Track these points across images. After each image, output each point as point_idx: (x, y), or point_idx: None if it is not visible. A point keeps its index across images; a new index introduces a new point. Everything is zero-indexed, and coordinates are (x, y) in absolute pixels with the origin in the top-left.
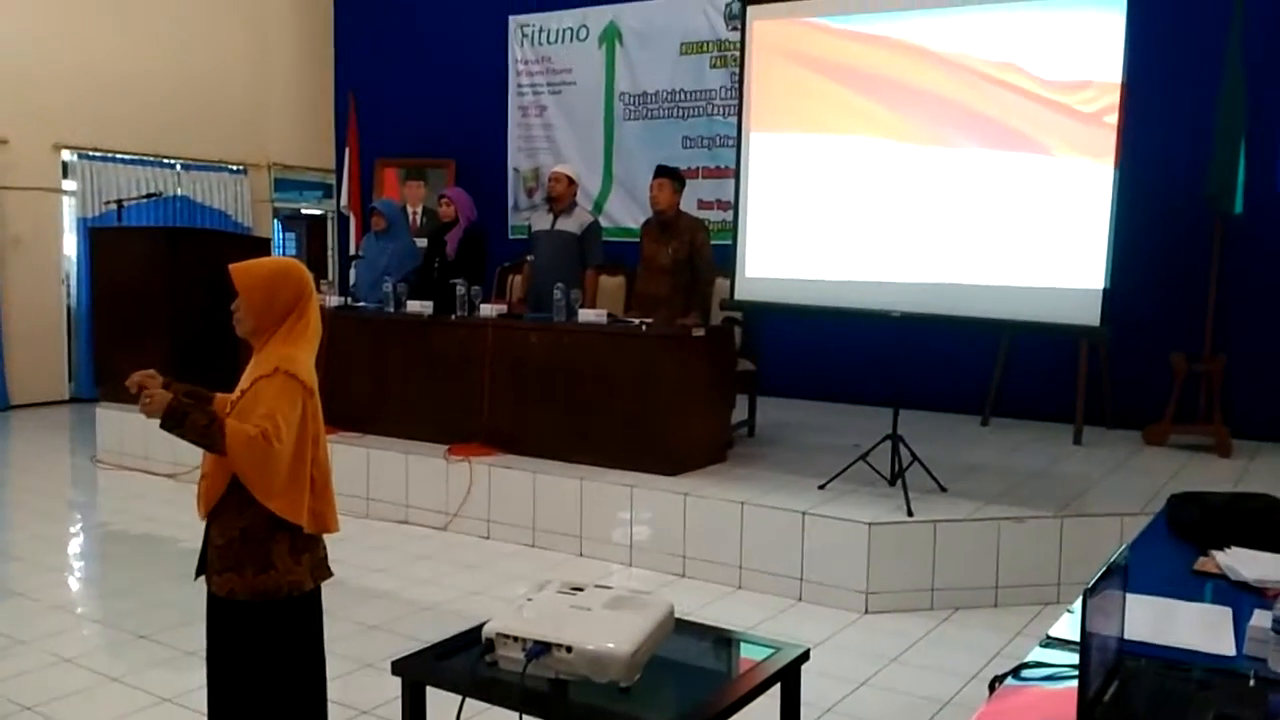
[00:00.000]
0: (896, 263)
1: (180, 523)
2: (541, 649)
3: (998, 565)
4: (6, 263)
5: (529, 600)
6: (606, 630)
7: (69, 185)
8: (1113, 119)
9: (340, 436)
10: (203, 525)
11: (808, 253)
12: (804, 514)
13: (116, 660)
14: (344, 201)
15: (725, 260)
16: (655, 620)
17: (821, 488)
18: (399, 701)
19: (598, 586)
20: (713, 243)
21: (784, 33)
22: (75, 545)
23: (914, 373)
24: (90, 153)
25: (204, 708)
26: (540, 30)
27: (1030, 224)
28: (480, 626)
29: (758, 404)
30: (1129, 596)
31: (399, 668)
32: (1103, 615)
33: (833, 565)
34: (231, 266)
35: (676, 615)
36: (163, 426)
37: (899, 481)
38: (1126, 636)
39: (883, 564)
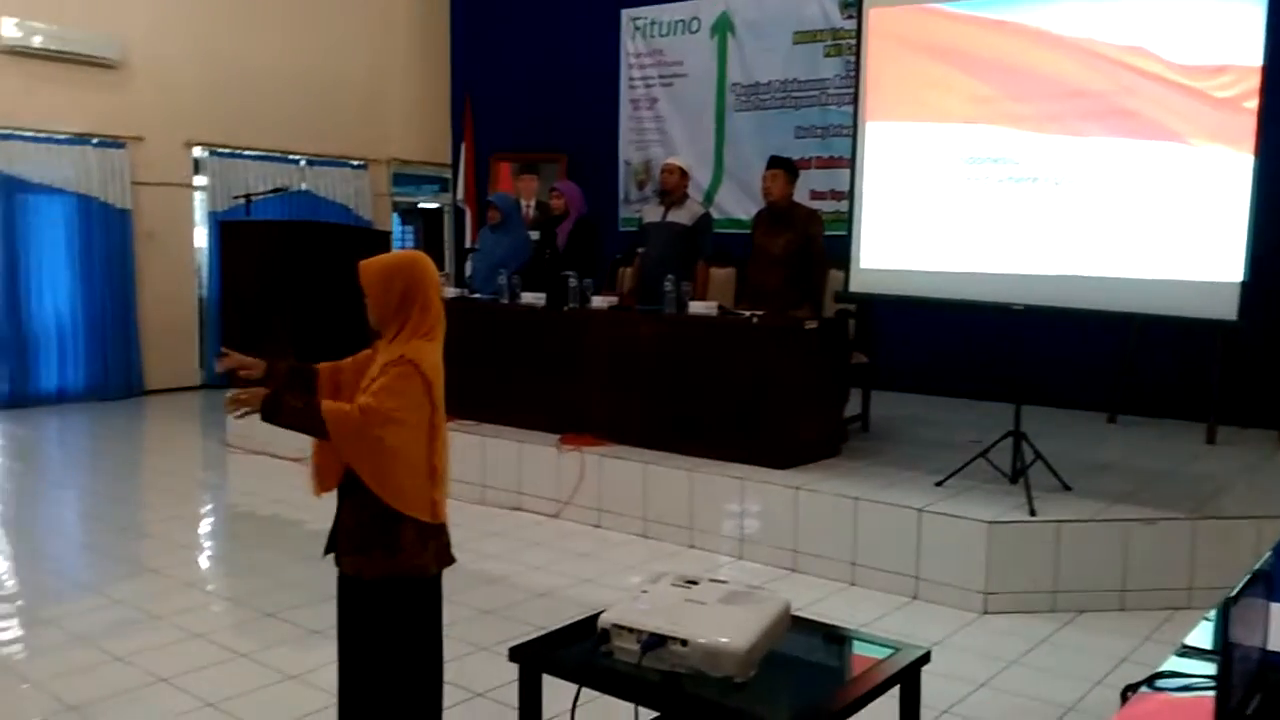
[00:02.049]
0: (1018, 254)
1: (306, 505)
2: (657, 641)
3: (1125, 568)
4: (142, 255)
5: (644, 592)
6: (722, 625)
7: (200, 181)
8: (1252, 104)
9: (456, 424)
10: (329, 509)
11: (925, 244)
12: (921, 511)
13: (245, 637)
14: (460, 195)
15: (839, 251)
16: (771, 616)
17: (939, 484)
18: (513, 686)
19: (712, 580)
20: (826, 233)
21: (901, 19)
22: (206, 525)
23: (1036, 367)
24: (220, 149)
25: (327, 685)
26: (652, 23)
27: (1162, 214)
28: (596, 616)
29: (872, 398)
30: (1273, 605)
31: (516, 654)
32: (1245, 625)
33: (950, 564)
34: (360, 263)
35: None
36: (264, 419)
37: (1021, 479)
38: (1270, 648)
39: (1003, 564)
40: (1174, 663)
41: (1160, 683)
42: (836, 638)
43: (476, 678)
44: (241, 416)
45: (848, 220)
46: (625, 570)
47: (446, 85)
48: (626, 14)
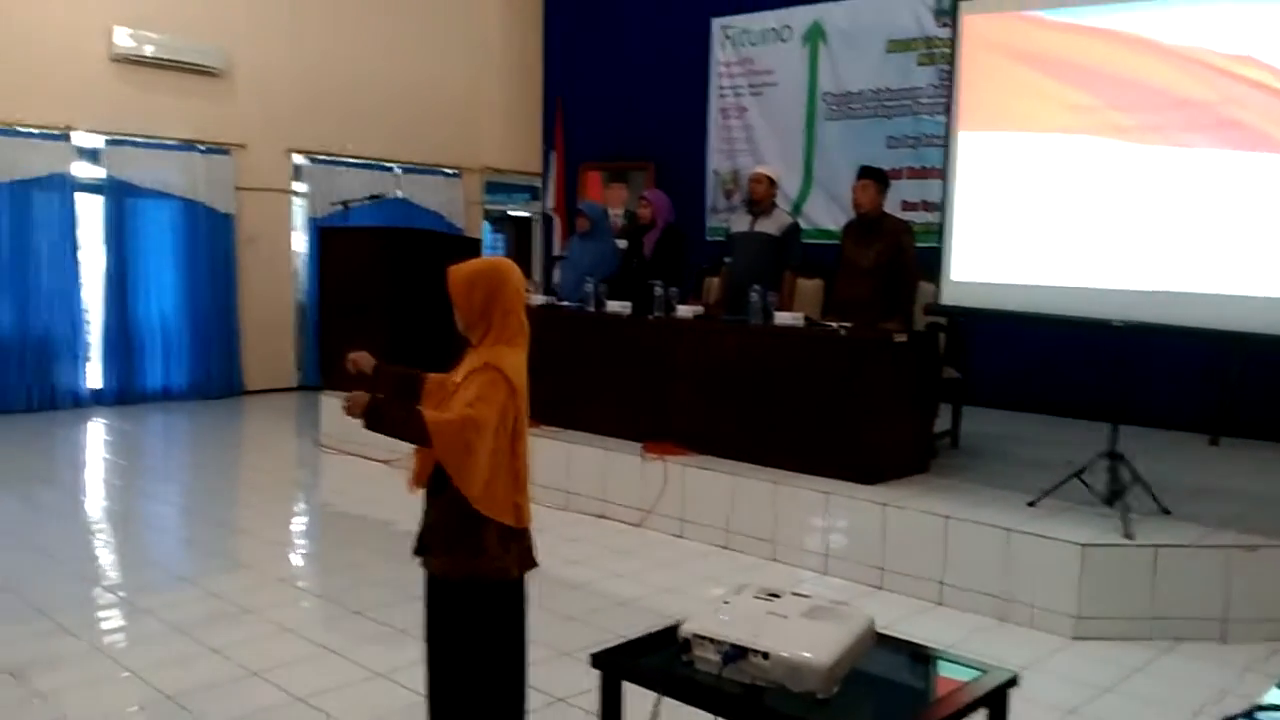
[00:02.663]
0: (1118, 269)
1: (395, 506)
2: (738, 653)
3: (1226, 597)
4: (243, 259)
5: (725, 603)
6: (805, 639)
7: (299, 187)
8: None
9: (542, 430)
10: (417, 510)
11: (1019, 256)
12: (1011, 531)
13: (334, 633)
14: (549, 204)
15: (930, 263)
16: (855, 632)
17: (1031, 504)
18: (594, 693)
19: (795, 594)
20: (917, 245)
21: (998, 27)
22: (298, 523)
23: (1134, 386)
24: (319, 157)
25: (412, 684)
26: (742, 32)
27: (1269, 228)
28: (677, 625)
29: (963, 414)
30: None
31: (598, 661)
32: None
33: (1041, 586)
34: (448, 269)
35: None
36: (366, 427)
37: (1117, 502)
38: None
39: (1096, 588)
40: (1276, 695)
41: (1261, 715)
42: (922, 657)
43: (558, 682)
44: (343, 407)
45: (939, 231)
46: (706, 581)
47: (539, 95)
48: (717, 23)
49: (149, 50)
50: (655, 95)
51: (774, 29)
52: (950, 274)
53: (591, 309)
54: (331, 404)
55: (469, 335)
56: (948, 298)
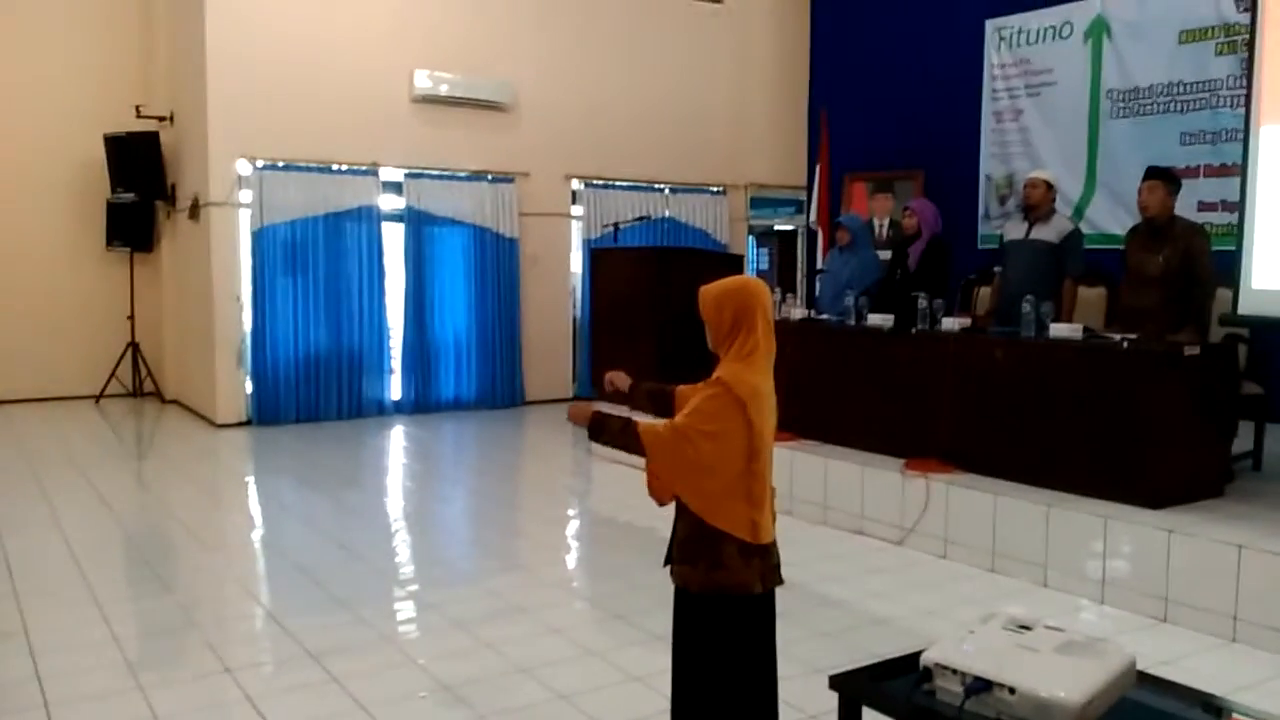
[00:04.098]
0: None
1: (660, 514)
2: (982, 685)
3: None
4: (526, 279)
5: (971, 632)
6: (1056, 676)
7: (576, 210)
8: None
9: (799, 444)
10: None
11: None
12: None
13: (597, 636)
14: (812, 217)
15: (1228, 269)
16: (1112, 671)
17: None
18: None
19: (1048, 627)
20: (1213, 249)
21: None
22: (571, 528)
23: None
24: (594, 181)
25: (667, 689)
26: (1019, 31)
27: None
28: (919, 653)
29: (1266, 433)
30: None
31: (836, 683)
32: None
33: None
34: (700, 289)
35: (1149, 664)
36: (590, 437)
37: None
38: None
39: None
40: None
41: None
42: (1196, 703)
43: (811, 699)
44: (569, 416)
45: (1237, 234)
46: (968, 604)
47: (804, 108)
48: (991, 24)
49: (444, 90)
50: (924, 101)
51: (1053, 27)
52: (1250, 280)
53: (852, 322)
54: None
55: (716, 351)
56: (1247, 307)
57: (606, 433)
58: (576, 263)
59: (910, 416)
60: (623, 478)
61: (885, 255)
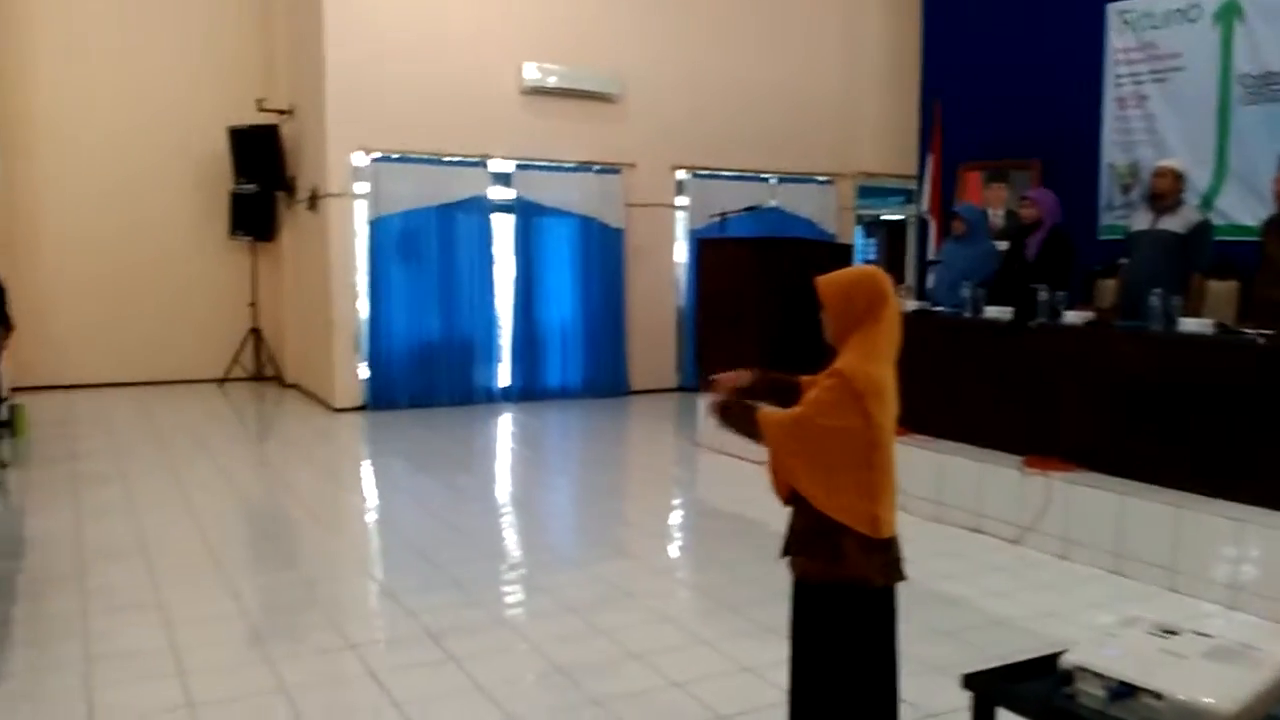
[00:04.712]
0: None
1: (768, 508)
2: (1126, 691)
3: None
4: (631, 269)
5: (1112, 635)
6: (1205, 682)
7: (681, 201)
8: None
9: (911, 439)
10: (787, 512)
11: None
12: None
13: (707, 625)
14: (924, 206)
15: None
16: (1266, 680)
17: None
18: (964, 713)
19: (1196, 633)
20: None
21: None
22: (676, 517)
23: None
24: (700, 171)
25: (780, 680)
26: (1143, 15)
27: None
28: (1057, 654)
29: None
30: None
31: (971, 682)
32: None
33: None
34: (818, 279)
35: None
36: (718, 424)
37: None
38: None
39: None
40: None
41: None
42: None
43: (928, 698)
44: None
45: None
46: (1091, 608)
47: (915, 95)
48: (1112, 8)
49: (552, 81)
50: (1041, 88)
51: (1180, 10)
52: None
53: (968, 314)
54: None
55: (835, 344)
56: None
57: (730, 416)
58: (681, 253)
59: (1029, 412)
60: (729, 469)
61: (1002, 246)
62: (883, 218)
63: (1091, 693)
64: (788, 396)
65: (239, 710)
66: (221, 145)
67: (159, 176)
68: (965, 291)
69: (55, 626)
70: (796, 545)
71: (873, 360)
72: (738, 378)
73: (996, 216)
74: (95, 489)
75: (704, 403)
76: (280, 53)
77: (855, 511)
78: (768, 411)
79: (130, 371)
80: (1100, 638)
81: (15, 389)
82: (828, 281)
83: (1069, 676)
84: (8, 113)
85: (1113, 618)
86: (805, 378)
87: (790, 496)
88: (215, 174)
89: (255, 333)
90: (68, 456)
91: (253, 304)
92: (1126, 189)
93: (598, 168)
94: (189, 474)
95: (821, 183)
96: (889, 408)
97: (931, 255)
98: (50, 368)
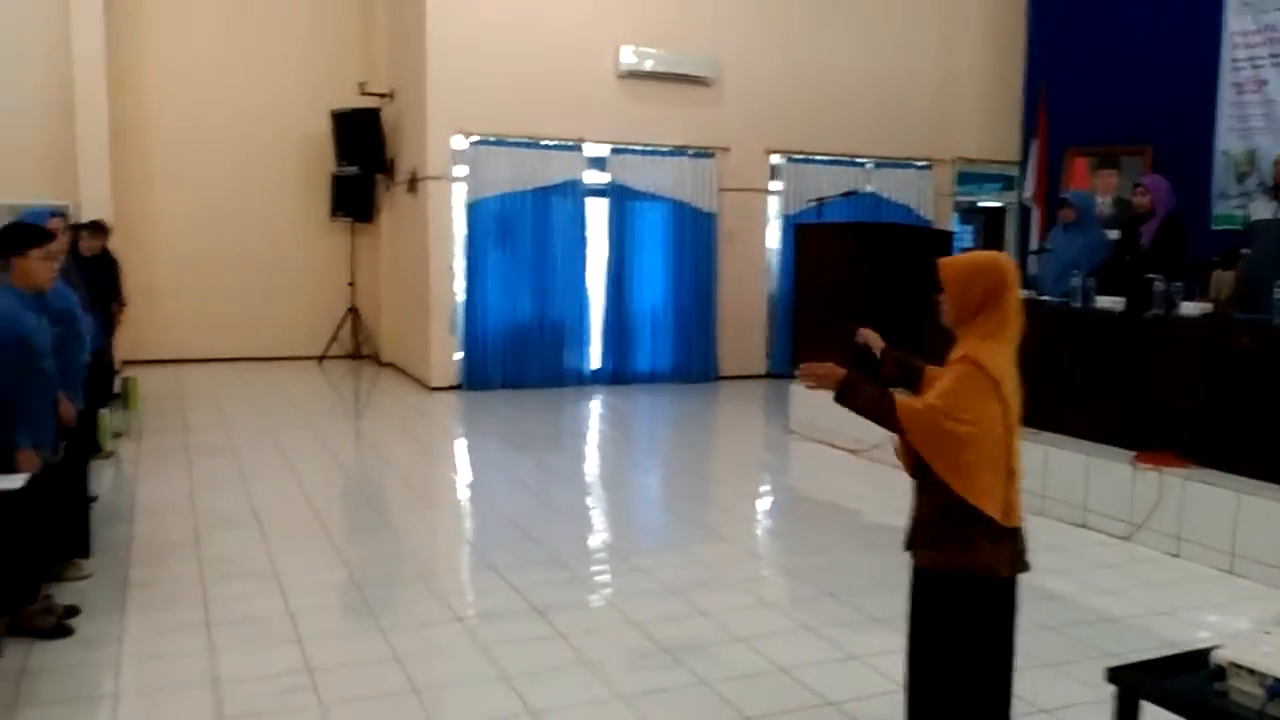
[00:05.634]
0: None
1: (862, 496)
2: None
3: None
4: (722, 254)
5: (1266, 633)
6: None
7: (774, 185)
8: None
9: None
10: (885, 501)
11: None
12: None
13: (808, 611)
14: (1028, 193)
15: None
16: None
17: None
18: (1077, 708)
19: None
20: None
21: None
22: (768, 503)
23: None
24: (795, 156)
25: (887, 670)
26: None
27: None
28: (1206, 651)
29: None
30: None
31: (1115, 676)
32: None
33: None
34: (939, 260)
35: None
36: (836, 399)
37: None
38: None
39: None
40: None
41: None
42: None
43: (1037, 693)
44: (813, 388)
45: None
46: (1206, 608)
47: (1019, 79)
48: None
49: (649, 65)
50: (1153, 72)
51: None
52: None
53: (1077, 304)
54: (801, 392)
55: (956, 328)
56: None
57: (858, 397)
58: (773, 238)
59: (1141, 406)
60: (821, 456)
61: (1112, 234)
62: (980, 204)
63: (1247, 690)
64: (910, 377)
65: (356, 676)
66: (324, 128)
67: (265, 159)
68: (1075, 281)
69: (176, 591)
70: (924, 536)
71: (997, 346)
72: (873, 337)
73: (1105, 204)
74: (206, 459)
75: (802, 374)
76: (382, 37)
77: (993, 495)
78: (905, 400)
79: (234, 347)
80: (1255, 635)
81: (127, 362)
82: (949, 264)
83: (1221, 673)
84: (125, 102)
85: (1253, 621)
86: (931, 367)
87: (917, 474)
88: (318, 156)
89: (353, 311)
90: (178, 428)
91: (351, 284)
92: (1242, 177)
93: (692, 152)
94: (293, 446)
95: (919, 168)
96: (1017, 394)
97: (1034, 243)
98: (159, 342)
